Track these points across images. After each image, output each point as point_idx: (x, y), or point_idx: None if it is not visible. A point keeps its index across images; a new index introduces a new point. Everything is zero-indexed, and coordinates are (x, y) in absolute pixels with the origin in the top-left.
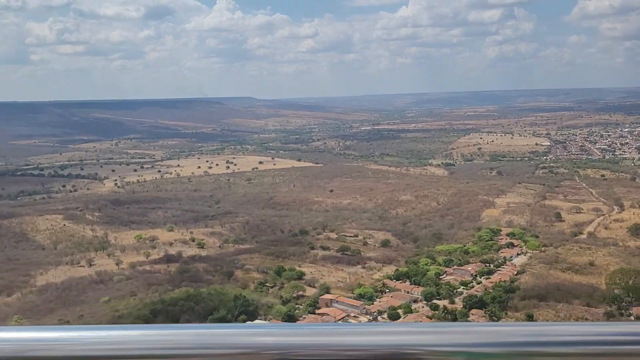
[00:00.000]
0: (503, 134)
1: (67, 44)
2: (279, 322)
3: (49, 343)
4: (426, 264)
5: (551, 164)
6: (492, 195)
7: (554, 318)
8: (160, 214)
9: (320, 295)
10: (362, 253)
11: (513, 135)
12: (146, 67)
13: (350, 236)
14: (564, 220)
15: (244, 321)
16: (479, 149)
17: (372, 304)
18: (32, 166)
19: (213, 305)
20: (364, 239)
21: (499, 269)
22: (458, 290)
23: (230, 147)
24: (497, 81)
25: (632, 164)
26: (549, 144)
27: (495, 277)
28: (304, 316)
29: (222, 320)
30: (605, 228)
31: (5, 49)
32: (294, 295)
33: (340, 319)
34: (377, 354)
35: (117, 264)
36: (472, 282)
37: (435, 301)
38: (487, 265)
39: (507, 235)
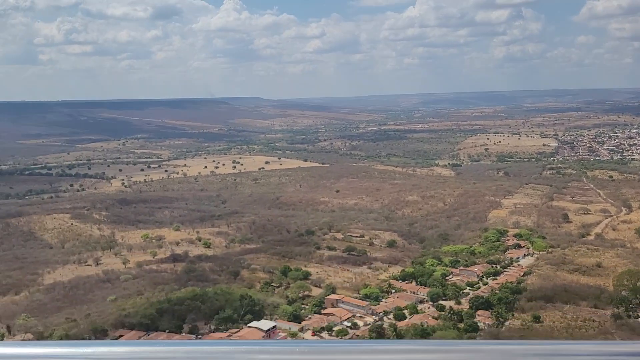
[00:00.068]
0: (510, 135)
1: (75, 44)
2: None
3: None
4: (432, 265)
5: (559, 165)
6: (499, 196)
7: (561, 320)
8: (167, 214)
9: (326, 296)
10: (368, 253)
11: (520, 136)
12: (153, 67)
13: (356, 236)
14: (571, 222)
15: (250, 320)
16: (486, 149)
17: (378, 304)
18: (40, 165)
19: (219, 304)
20: (370, 239)
21: (506, 270)
22: (464, 291)
23: (236, 147)
24: (504, 82)
25: None
26: (557, 144)
27: (501, 278)
28: (309, 316)
29: (228, 320)
30: (613, 229)
31: (14, 49)
32: (300, 295)
33: (346, 319)
34: None
35: (124, 263)
36: (478, 283)
37: (441, 302)
38: (494, 266)
39: (514, 236)
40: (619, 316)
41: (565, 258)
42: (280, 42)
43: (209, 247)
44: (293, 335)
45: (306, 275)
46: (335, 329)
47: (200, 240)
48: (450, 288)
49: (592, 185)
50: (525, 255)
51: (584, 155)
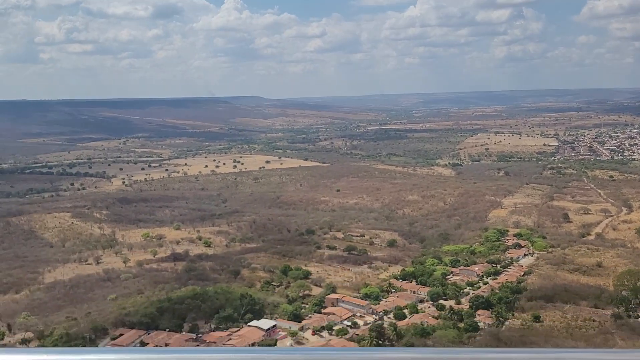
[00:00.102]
0: (511, 134)
1: (76, 43)
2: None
3: None
4: (432, 264)
5: (559, 165)
6: (499, 195)
7: (561, 319)
8: (168, 213)
9: (327, 295)
10: (369, 253)
11: (521, 136)
12: (154, 66)
13: (357, 236)
14: (571, 221)
15: (251, 319)
16: (487, 149)
17: (378, 303)
18: (41, 164)
19: (219, 303)
20: (371, 238)
21: (506, 269)
22: (464, 290)
23: (237, 146)
24: (505, 81)
25: None
26: (557, 144)
27: (502, 278)
28: (310, 315)
29: (229, 319)
30: (614, 229)
31: (15, 47)
32: (300, 294)
33: (346, 319)
34: None
35: (124, 262)
36: (478, 282)
37: (441, 301)
38: (494, 265)
39: (514, 235)
40: (619, 316)
41: (565, 258)
42: (281, 41)
43: (209, 246)
44: (293, 334)
45: (306, 275)
46: (335, 328)
47: (200, 240)
48: (450, 287)
49: (592, 185)
50: (525, 254)
51: (585, 155)
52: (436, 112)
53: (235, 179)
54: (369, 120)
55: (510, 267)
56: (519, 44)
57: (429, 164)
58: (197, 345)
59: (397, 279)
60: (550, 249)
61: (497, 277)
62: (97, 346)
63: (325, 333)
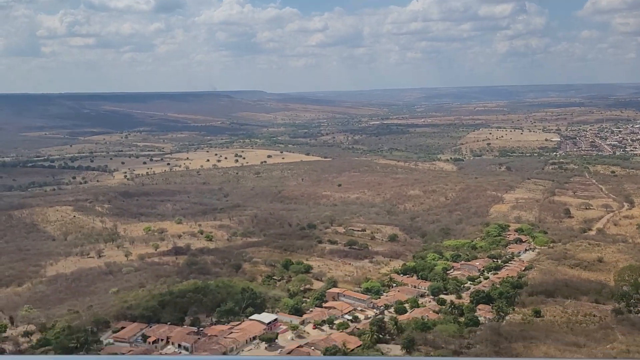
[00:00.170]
0: (512, 130)
1: (78, 37)
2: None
3: None
4: (433, 259)
5: (561, 160)
6: (500, 190)
7: (562, 314)
8: (169, 207)
9: (327, 289)
10: (370, 247)
11: (523, 131)
12: (156, 59)
13: (358, 230)
14: (573, 217)
15: (252, 313)
16: (488, 144)
17: (379, 298)
18: (42, 158)
19: (221, 297)
20: (372, 233)
21: (507, 264)
22: (465, 285)
23: (239, 141)
24: (507, 76)
25: None
26: (559, 139)
27: (502, 273)
28: (311, 309)
29: (230, 312)
30: (615, 225)
31: (16, 41)
32: (301, 288)
33: (347, 313)
34: None
35: (126, 256)
36: (479, 277)
37: (442, 296)
38: (495, 260)
39: (516, 231)
40: (620, 311)
41: (566, 253)
42: (283, 35)
43: (210, 240)
44: (294, 328)
45: (307, 269)
46: (336, 322)
47: (202, 233)
48: (451, 282)
49: (594, 181)
50: (526, 250)
51: (586, 151)
52: (438, 107)
53: (237, 173)
54: (370, 115)
55: (511, 262)
56: (522, 39)
57: (431, 158)
58: (199, 338)
59: (398, 274)
60: (551, 244)
61: (498, 272)
62: (99, 339)
63: (326, 327)
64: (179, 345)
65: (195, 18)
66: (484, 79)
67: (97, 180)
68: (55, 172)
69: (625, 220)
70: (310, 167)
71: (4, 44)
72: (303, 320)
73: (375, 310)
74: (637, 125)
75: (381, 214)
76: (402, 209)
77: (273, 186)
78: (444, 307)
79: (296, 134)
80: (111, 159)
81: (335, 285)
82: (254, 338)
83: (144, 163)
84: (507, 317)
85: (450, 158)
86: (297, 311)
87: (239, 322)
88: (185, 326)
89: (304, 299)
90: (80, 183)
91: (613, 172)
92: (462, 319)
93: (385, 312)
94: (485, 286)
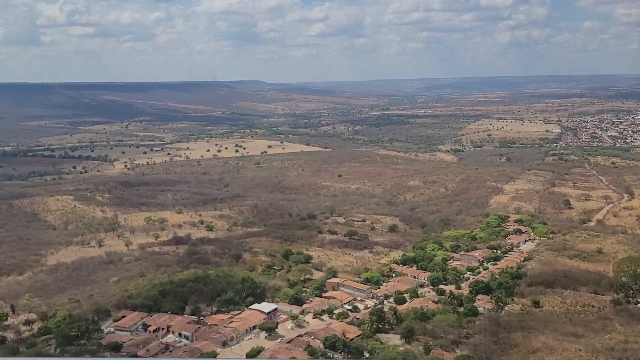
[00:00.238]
0: (513, 120)
1: (78, 26)
2: None
3: None
4: (433, 250)
5: (561, 151)
6: (500, 181)
7: (560, 305)
8: (170, 196)
9: (327, 279)
10: (370, 238)
11: (523, 122)
12: (156, 49)
13: (358, 221)
14: (572, 208)
15: (252, 303)
16: (489, 135)
17: (379, 288)
18: (43, 147)
19: (221, 287)
20: (372, 223)
21: (506, 255)
22: (464, 275)
23: (239, 131)
24: (508, 67)
25: None
26: (560, 130)
27: (502, 263)
28: (310, 299)
29: (230, 302)
30: (615, 216)
31: (16, 29)
32: (301, 278)
33: (346, 302)
34: None
35: (126, 245)
36: (478, 267)
37: (441, 286)
38: (494, 251)
39: (515, 221)
40: (619, 302)
41: (566, 244)
42: (283, 25)
43: (211, 230)
44: (294, 317)
45: (307, 259)
46: (335, 312)
47: (202, 223)
48: (450, 272)
49: (594, 172)
50: (526, 240)
51: (587, 142)
52: (439, 98)
53: (237, 163)
54: (371, 106)
55: (511, 252)
56: (523, 29)
57: (431, 149)
58: (199, 327)
59: (398, 264)
60: (550, 235)
61: (498, 263)
62: (99, 327)
63: (325, 317)
64: (180, 334)
65: (195, 7)
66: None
67: (98, 170)
68: (56, 162)
69: (625, 211)
70: (311, 158)
71: (4, 33)
72: (303, 310)
73: (374, 300)
74: (638, 117)
75: (381, 205)
76: (402, 200)
77: (273, 176)
78: (443, 297)
79: (296, 124)
80: (111, 148)
81: (335, 275)
82: (254, 327)
83: (145, 153)
84: (506, 308)
85: (451, 149)
86: (297, 301)
87: (239, 312)
88: (185, 315)
89: (303, 289)
90: (81, 172)
91: (613, 163)
92: (461, 309)
93: (385, 302)
94: (484, 277)
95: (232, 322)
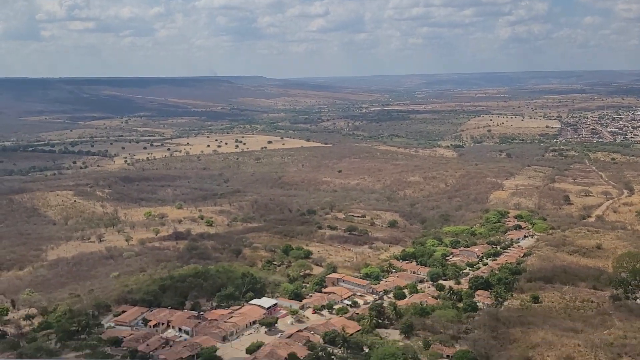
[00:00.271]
0: (513, 116)
1: (77, 20)
2: None
3: None
4: (433, 245)
5: (561, 147)
6: (500, 177)
7: (560, 300)
8: (170, 192)
9: (327, 274)
10: (370, 233)
11: (523, 118)
12: (156, 44)
13: (358, 216)
14: (572, 203)
15: (252, 298)
16: (489, 130)
17: (379, 283)
18: (43, 142)
19: (221, 282)
20: (372, 219)
21: (506, 250)
22: (464, 271)
23: (239, 126)
24: (508, 63)
25: None
26: (560, 126)
27: (501, 259)
28: (310, 294)
29: (230, 297)
30: (614, 211)
31: (15, 24)
32: (301, 273)
33: (346, 298)
34: None
35: (126, 240)
36: (478, 263)
37: (441, 281)
38: (494, 247)
39: (515, 217)
40: (618, 297)
41: (565, 239)
42: (283, 20)
43: (211, 225)
44: (294, 313)
45: (307, 254)
46: (335, 307)
47: (202, 219)
48: (450, 268)
49: (594, 168)
50: (525, 236)
51: (587, 138)
52: (439, 93)
53: (237, 158)
54: (371, 101)
55: (510, 248)
56: (524, 25)
57: (431, 145)
58: (199, 322)
59: (398, 259)
60: (550, 231)
61: (497, 258)
62: (100, 322)
63: (325, 312)
64: (180, 329)
65: (195, 2)
66: (486, 65)
67: (98, 165)
68: (56, 157)
69: (625, 207)
70: (311, 153)
71: (3, 28)
72: (303, 305)
73: (374, 295)
74: (638, 113)
75: (381, 200)
76: (402, 195)
77: (273, 172)
78: (442, 292)
79: (296, 119)
80: (111, 143)
81: (334, 271)
82: (254, 322)
83: (144, 148)
84: (506, 303)
85: (451, 144)
86: (297, 296)
87: (239, 307)
88: (185, 310)
89: (303, 284)
90: (81, 168)
91: (613, 159)
92: (460, 305)
93: (385, 297)
94: (484, 272)
95: (232, 317)
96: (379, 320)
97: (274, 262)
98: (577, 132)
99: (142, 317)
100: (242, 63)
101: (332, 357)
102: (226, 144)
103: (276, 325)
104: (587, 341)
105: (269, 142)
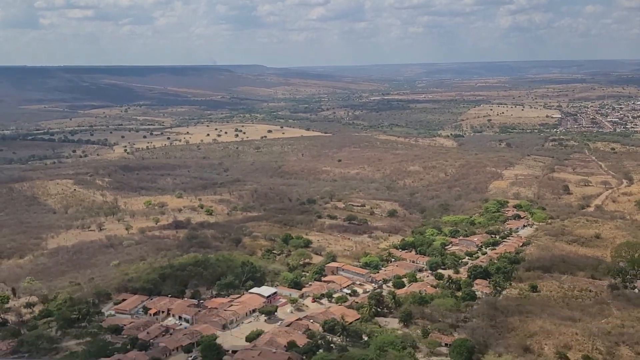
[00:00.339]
0: (514, 106)
1: (76, 8)
2: None
3: None
4: (432, 234)
5: (561, 137)
6: (500, 167)
7: (558, 289)
8: (170, 181)
9: (327, 263)
10: (369, 222)
11: (524, 107)
12: (155, 32)
13: (358, 206)
14: (571, 193)
15: (251, 287)
16: (489, 120)
17: (378, 272)
18: (42, 131)
19: (221, 271)
20: (371, 208)
21: (505, 240)
22: (463, 260)
23: (239, 115)
24: (509, 52)
25: None
26: (560, 116)
27: (500, 248)
28: (310, 283)
29: (230, 285)
30: (613, 201)
31: (14, 12)
32: (301, 262)
33: (345, 287)
34: None
35: (126, 229)
36: (477, 252)
37: (440, 271)
38: (493, 236)
39: (514, 207)
40: (616, 287)
41: (564, 229)
42: (283, 9)
43: (211, 214)
44: (294, 301)
45: (307, 243)
46: (335, 296)
47: (202, 208)
48: (449, 257)
49: (593, 157)
50: (524, 226)
51: (587, 127)
52: (439, 83)
53: (237, 147)
54: (371, 90)
55: (509, 237)
56: (525, 14)
57: (431, 134)
58: (199, 310)
59: (397, 249)
60: (549, 220)
61: (496, 248)
62: (100, 310)
63: (325, 300)
64: (180, 317)
65: None
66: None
67: (97, 154)
68: (55, 146)
69: (624, 197)
70: (311, 142)
71: (2, 16)
72: (302, 294)
73: (373, 284)
74: (639, 102)
75: (381, 190)
76: (402, 185)
77: (273, 161)
78: (441, 281)
79: (296, 108)
80: (111, 132)
81: (334, 260)
82: (254, 311)
83: (144, 137)
84: (504, 292)
85: (451, 134)
86: (297, 285)
87: (239, 295)
88: (185, 299)
89: (303, 273)
90: (81, 156)
91: (613, 149)
92: (459, 294)
93: (384, 286)
94: (482, 261)
95: (231, 305)
96: (378, 309)
97: (274, 251)
98: (577, 121)
99: (142, 305)
100: (242, 52)
101: (332, 345)
102: (226, 133)
103: (276, 313)
104: (585, 330)
105: (269, 131)
